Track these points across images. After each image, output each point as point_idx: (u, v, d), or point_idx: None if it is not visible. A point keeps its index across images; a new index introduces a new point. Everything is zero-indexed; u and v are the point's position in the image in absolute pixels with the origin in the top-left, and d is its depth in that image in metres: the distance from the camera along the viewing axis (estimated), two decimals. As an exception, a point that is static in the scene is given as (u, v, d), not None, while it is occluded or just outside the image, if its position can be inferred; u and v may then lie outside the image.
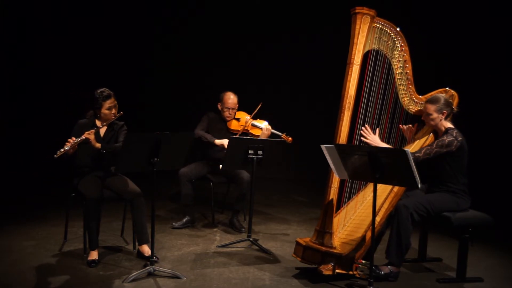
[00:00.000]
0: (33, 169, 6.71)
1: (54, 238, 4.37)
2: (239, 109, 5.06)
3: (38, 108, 7.11)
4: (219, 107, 5.00)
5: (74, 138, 3.78)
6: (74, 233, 4.50)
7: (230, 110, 4.93)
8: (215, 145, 4.86)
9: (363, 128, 3.77)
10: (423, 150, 3.67)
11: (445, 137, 3.68)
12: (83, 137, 3.79)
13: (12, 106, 6.97)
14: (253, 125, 4.94)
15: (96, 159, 4.00)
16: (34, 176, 6.60)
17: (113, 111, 3.99)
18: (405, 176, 3.23)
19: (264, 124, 4.90)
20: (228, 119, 4.98)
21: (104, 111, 3.96)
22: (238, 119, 5.01)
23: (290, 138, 4.80)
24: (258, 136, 4.84)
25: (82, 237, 4.05)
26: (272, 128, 4.89)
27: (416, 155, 3.65)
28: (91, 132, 3.85)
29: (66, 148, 3.70)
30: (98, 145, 3.91)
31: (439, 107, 3.75)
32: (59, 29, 7.12)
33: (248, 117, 4.97)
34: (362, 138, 3.79)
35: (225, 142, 4.79)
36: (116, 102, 4.01)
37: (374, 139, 3.77)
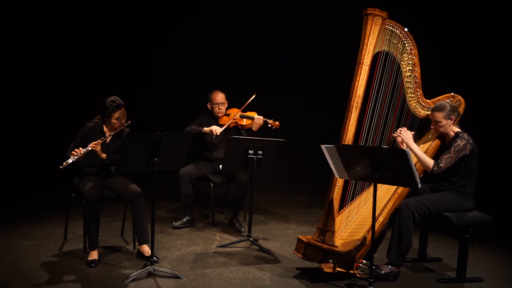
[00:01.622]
0: (33, 169, 6.71)
1: (54, 238, 4.37)
2: (234, 107, 5.06)
3: (38, 108, 7.11)
4: (209, 107, 5.02)
5: (81, 149, 3.75)
6: (74, 233, 4.50)
7: (220, 105, 4.95)
8: (205, 133, 4.87)
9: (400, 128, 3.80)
10: (444, 161, 3.68)
11: (458, 141, 3.69)
12: (89, 148, 3.78)
13: (12, 105, 6.97)
14: (242, 117, 4.94)
15: (96, 162, 4.00)
16: (34, 176, 6.59)
17: (122, 121, 3.98)
18: (405, 176, 3.22)
19: (255, 115, 4.92)
20: (220, 115, 4.99)
21: (113, 120, 3.95)
22: (229, 115, 5.02)
23: (277, 123, 4.84)
24: (247, 126, 4.87)
25: (82, 237, 4.05)
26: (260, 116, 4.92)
27: (440, 165, 3.67)
28: (98, 143, 3.84)
29: (74, 160, 3.70)
30: (104, 155, 3.93)
31: (447, 113, 3.75)
32: (61, 29, 7.12)
33: (238, 111, 4.98)
34: (394, 134, 3.81)
35: (213, 128, 4.81)
36: (125, 112, 3.98)
37: (407, 136, 3.77)
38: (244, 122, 4.95)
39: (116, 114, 3.93)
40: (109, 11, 7.34)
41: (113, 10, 7.36)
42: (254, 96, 4.90)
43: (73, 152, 3.76)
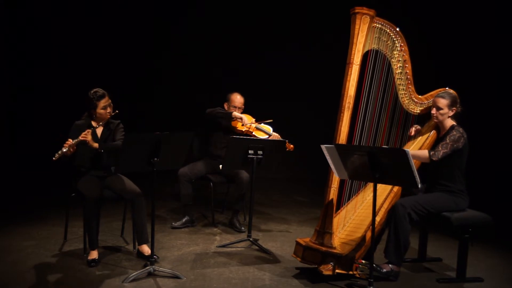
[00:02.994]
0: (33, 169, 6.71)
1: (54, 238, 4.38)
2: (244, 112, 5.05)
3: (38, 108, 7.11)
4: (226, 107, 4.98)
5: (71, 140, 3.78)
6: (74, 233, 4.50)
7: (237, 109, 4.92)
8: (232, 118, 4.81)
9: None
10: (440, 147, 3.68)
11: (454, 132, 3.71)
12: (79, 138, 3.79)
13: (12, 105, 6.97)
14: (258, 128, 4.92)
15: (95, 159, 4.01)
16: (34, 176, 6.59)
17: (108, 110, 4.00)
18: (405, 176, 3.23)
19: (271, 131, 4.90)
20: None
21: (100, 110, 3.96)
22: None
23: (291, 146, 4.79)
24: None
25: (82, 237, 4.05)
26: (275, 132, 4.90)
27: (436, 152, 3.66)
28: (88, 132, 3.85)
29: (64, 150, 3.72)
30: (96, 145, 3.92)
31: (451, 102, 3.77)
32: (61, 29, 7.12)
33: (253, 120, 4.95)
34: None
35: (244, 117, 4.77)
36: (110, 101, 4.01)
37: None
38: (259, 134, 4.91)
39: (102, 103, 3.95)
40: (109, 11, 7.34)
41: (113, 10, 7.36)
42: (270, 121, 4.91)
43: (64, 144, 3.76)
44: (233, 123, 4.96)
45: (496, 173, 6.16)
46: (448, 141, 3.69)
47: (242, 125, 4.87)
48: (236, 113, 4.83)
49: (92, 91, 3.97)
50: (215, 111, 4.84)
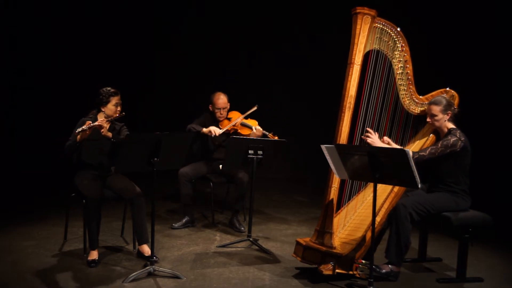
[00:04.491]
0: (33, 169, 6.70)
1: (54, 238, 4.38)
2: (235, 109, 5.04)
3: (38, 108, 7.11)
4: (211, 109, 4.98)
5: (90, 122, 3.78)
6: (74, 233, 4.50)
7: (221, 110, 4.91)
8: (203, 134, 4.82)
9: (367, 129, 3.77)
10: (428, 150, 3.69)
11: (449, 137, 3.70)
12: (97, 122, 3.80)
13: (12, 105, 6.97)
14: (243, 125, 4.91)
15: (96, 159, 4.01)
16: (34, 176, 6.59)
17: (118, 108, 4.03)
18: (405, 176, 3.23)
19: (254, 125, 4.89)
20: (221, 119, 4.96)
21: (111, 106, 3.99)
22: (230, 119, 4.99)
23: (276, 137, 4.76)
24: (247, 135, 4.83)
25: (82, 237, 4.05)
26: (261, 127, 4.88)
27: (421, 154, 3.68)
28: (103, 120, 3.88)
29: (84, 128, 3.72)
30: (110, 134, 3.94)
31: (444, 108, 3.77)
32: (61, 29, 7.12)
33: (240, 117, 4.96)
34: (363, 137, 3.78)
35: (212, 128, 4.77)
36: (121, 101, 4.04)
37: (375, 139, 3.76)
38: (244, 130, 4.92)
39: (114, 100, 3.99)
40: (109, 11, 7.34)
41: (113, 10, 7.36)
42: (255, 108, 4.86)
43: (85, 125, 3.77)
44: (220, 124, 4.95)
45: (497, 173, 6.15)
46: (439, 145, 3.70)
47: (230, 120, 4.87)
48: (204, 129, 4.81)
49: (105, 88, 4.01)
50: (189, 128, 4.84)
